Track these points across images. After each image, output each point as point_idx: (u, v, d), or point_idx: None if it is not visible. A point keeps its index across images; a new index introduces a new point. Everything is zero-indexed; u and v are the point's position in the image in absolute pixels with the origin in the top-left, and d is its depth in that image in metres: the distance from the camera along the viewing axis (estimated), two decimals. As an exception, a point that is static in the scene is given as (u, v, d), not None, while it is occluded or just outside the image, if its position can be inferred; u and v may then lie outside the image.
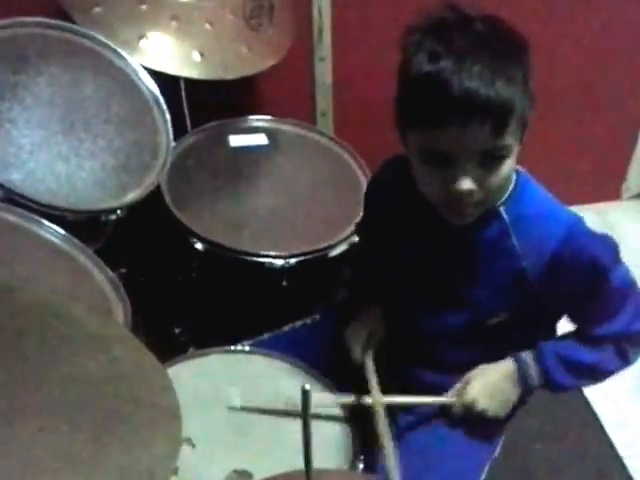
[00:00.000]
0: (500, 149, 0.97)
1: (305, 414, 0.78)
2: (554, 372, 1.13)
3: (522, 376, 1.14)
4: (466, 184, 0.98)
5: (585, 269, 1.06)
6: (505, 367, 1.15)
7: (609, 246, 1.08)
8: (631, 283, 1.11)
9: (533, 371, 1.13)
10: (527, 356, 1.14)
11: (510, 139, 0.97)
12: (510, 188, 1.07)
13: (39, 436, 0.71)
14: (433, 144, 0.98)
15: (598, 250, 1.06)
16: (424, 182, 1.04)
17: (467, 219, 1.06)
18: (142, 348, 0.85)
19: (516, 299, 1.11)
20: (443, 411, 1.19)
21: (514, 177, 1.08)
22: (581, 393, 1.89)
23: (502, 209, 1.07)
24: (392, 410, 1.22)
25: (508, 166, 1.01)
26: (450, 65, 0.93)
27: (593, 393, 1.88)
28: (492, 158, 0.98)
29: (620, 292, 1.10)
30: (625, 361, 1.14)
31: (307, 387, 0.77)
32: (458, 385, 1.17)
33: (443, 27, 0.97)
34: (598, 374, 1.16)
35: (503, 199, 1.07)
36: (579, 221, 1.08)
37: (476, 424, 1.18)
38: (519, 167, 1.09)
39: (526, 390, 1.15)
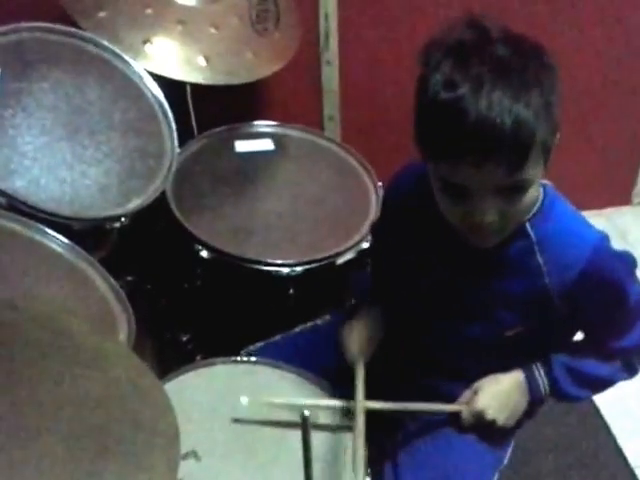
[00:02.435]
0: (520, 182, 0.95)
1: (305, 440, 0.76)
2: (563, 383, 1.14)
3: (531, 386, 1.15)
4: (486, 217, 0.96)
5: (608, 290, 1.06)
6: (514, 377, 1.15)
7: (629, 266, 1.09)
8: None
9: (542, 382, 1.15)
10: (536, 367, 1.15)
11: (531, 171, 0.94)
12: (537, 205, 1.05)
13: (34, 459, 0.68)
14: (450, 177, 0.96)
15: (621, 272, 1.07)
16: (444, 208, 1.02)
17: (489, 244, 1.04)
18: (142, 367, 0.82)
19: (536, 315, 1.10)
20: (451, 419, 1.19)
21: (541, 192, 1.06)
22: (593, 403, 1.87)
23: (528, 225, 1.05)
24: (399, 417, 1.22)
25: (530, 195, 0.98)
26: (466, 95, 0.89)
27: (605, 403, 1.87)
28: (512, 190, 0.95)
29: (635, 309, 1.11)
30: (632, 372, 1.17)
31: (307, 413, 0.75)
32: (467, 393, 1.17)
33: (462, 50, 0.92)
34: (605, 385, 1.19)
35: (530, 216, 1.05)
36: (604, 240, 1.07)
37: (483, 432, 1.18)
38: (546, 181, 1.07)
39: (534, 400, 1.16)
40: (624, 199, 2.52)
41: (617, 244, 1.09)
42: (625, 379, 1.17)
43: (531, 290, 1.07)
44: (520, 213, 1.00)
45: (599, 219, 2.26)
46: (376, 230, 1.39)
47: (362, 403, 1.15)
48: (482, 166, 0.91)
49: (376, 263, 1.39)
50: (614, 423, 1.85)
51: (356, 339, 1.23)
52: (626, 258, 1.08)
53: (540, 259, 1.05)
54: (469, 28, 0.94)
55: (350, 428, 1.16)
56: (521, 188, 0.96)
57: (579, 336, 1.18)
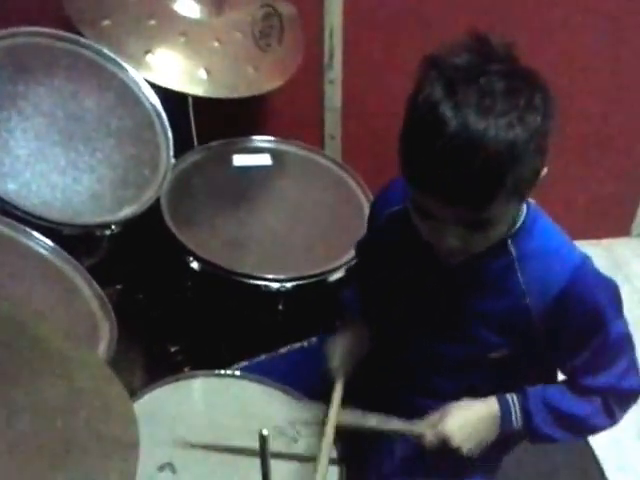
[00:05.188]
0: (484, 219, 0.94)
1: (264, 458, 0.75)
2: (537, 416, 1.10)
3: (504, 417, 1.11)
4: (451, 242, 0.96)
5: (587, 313, 1.04)
6: (487, 406, 1.12)
7: (613, 295, 1.06)
8: (628, 339, 1.09)
9: (516, 413, 1.10)
10: (511, 397, 1.11)
11: (497, 210, 0.92)
12: (519, 222, 1.04)
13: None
14: (419, 201, 0.96)
15: (602, 297, 1.04)
16: (414, 221, 1.01)
17: (454, 262, 1.04)
18: (111, 377, 0.80)
19: (517, 335, 1.08)
20: (415, 439, 1.14)
21: (524, 210, 1.05)
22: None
23: (510, 243, 1.04)
24: (377, 455, 1.21)
25: (498, 229, 0.98)
26: (446, 126, 0.86)
27: (595, 437, 1.82)
28: (476, 225, 0.95)
29: (615, 346, 1.08)
30: (610, 418, 1.12)
31: (265, 432, 0.74)
32: (435, 415, 1.12)
33: (455, 76, 0.89)
34: (581, 427, 1.14)
35: (512, 232, 1.03)
36: (586, 261, 1.05)
37: (471, 463, 1.15)
38: (530, 200, 1.06)
39: (504, 432, 1.12)
40: (623, 230, 2.51)
41: (613, 275, 1.07)
42: (604, 425, 1.12)
43: (511, 310, 1.05)
44: (487, 241, 0.99)
45: (597, 249, 2.26)
46: (361, 247, 1.38)
47: (332, 419, 1.13)
48: (446, 201, 0.90)
49: (360, 280, 1.38)
50: (603, 456, 1.83)
51: (338, 353, 1.22)
52: (609, 284, 1.06)
53: (521, 277, 1.04)
54: (469, 52, 0.91)
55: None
56: (487, 224, 0.95)
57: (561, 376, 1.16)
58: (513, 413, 1.10)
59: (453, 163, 0.86)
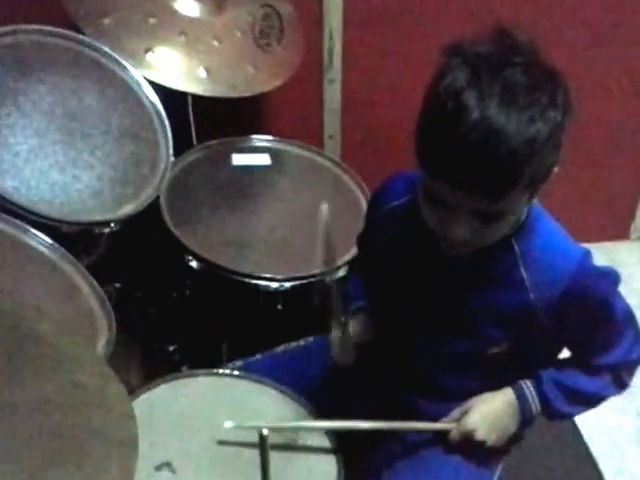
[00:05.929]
0: (498, 211, 0.94)
1: (263, 458, 0.75)
2: (553, 400, 1.13)
3: (522, 406, 1.13)
4: (460, 233, 0.96)
5: (593, 306, 1.06)
6: (505, 397, 1.14)
7: (613, 281, 1.08)
8: (629, 313, 1.11)
9: (533, 400, 1.13)
10: (527, 385, 1.14)
11: (512, 203, 0.93)
12: (522, 220, 1.05)
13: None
14: (431, 188, 0.95)
15: (605, 288, 1.06)
16: (424, 212, 1.01)
17: (458, 254, 1.04)
18: (109, 374, 0.80)
19: (520, 330, 1.09)
20: (439, 437, 1.17)
21: (527, 209, 1.05)
22: (580, 438, 1.85)
23: (513, 240, 1.05)
24: (384, 436, 1.21)
25: (507, 222, 0.98)
26: (467, 115, 0.86)
27: (592, 439, 1.84)
28: (489, 216, 0.95)
29: (621, 324, 1.10)
30: (621, 387, 1.16)
31: (265, 432, 0.74)
32: (456, 412, 1.16)
33: (479, 65, 0.88)
34: (596, 400, 1.17)
35: (515, 230, 1.04)
36: (588, 256, 1.06)
37: (470, 453, 1.17)
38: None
39: (525, 419, 1.15)
40: (622, 233, 2.51)
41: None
42: (615, 394, 1.16)
43: (515, 305, 1.06)
44: (496, 235, 1.00)
45: (596, 252, 2.25)
46: (359, 241, 1.38)
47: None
48: (462, 189, 0.90)
49: (362, 274, 1.37)
50: (602, 460, 1.82)
51: (344, 343, 1.22)
52: (610, 274, 1.07)
53: (524, 273, 1.05)
54: (493, 43, 0.91)
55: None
56: (499, 215, 0.95)
57: (566, 354, 1.17)
58: (530, 399, 1.13)
59: (472, 153, 0.86)
